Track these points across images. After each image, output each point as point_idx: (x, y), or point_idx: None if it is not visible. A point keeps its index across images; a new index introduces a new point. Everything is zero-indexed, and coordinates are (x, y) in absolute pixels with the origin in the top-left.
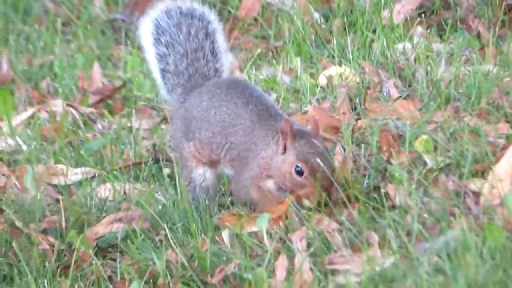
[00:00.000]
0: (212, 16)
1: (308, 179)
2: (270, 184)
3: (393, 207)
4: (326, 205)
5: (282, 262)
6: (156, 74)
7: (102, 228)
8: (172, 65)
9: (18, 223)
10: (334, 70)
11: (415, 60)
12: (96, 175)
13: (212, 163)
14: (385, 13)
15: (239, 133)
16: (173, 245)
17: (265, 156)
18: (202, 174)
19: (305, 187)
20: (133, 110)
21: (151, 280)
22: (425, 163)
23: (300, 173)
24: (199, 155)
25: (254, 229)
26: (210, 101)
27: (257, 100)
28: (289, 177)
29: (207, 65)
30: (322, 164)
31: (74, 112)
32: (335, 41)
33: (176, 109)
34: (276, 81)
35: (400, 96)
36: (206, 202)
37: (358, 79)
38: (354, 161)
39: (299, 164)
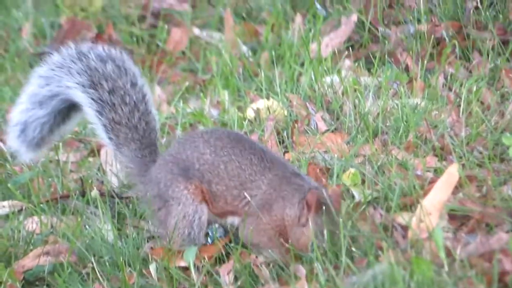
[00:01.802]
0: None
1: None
2: None
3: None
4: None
5: None
6: (99, 123)
7: (29, 261)
8: (124, 118)
9: None
10: (262, 103)
11: (343, 93)
12: (24, 208)
13: (222, 214)
14: (313, 46)
15: (262, 187)
16: (100, 278)
17: (289, 214)
18: (201, 208)
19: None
20: (61, 143)
21: None
22: (353, 196)
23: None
24: (203, 194)
25: (182, 264)
26: (214, 154)
27: (270, 156)
28: (303, 248)
29: (154, 119)
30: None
31: (2, 145)
32: (263, 74)
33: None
34: (204, 114)
35: (328, 129)
36: (204, 236)
37: (286, 112)
38: None
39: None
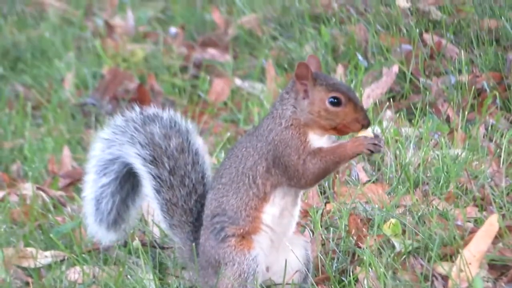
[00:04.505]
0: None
1: (347, 105)
2: (316, 140)
3: None
4: None
5: None
6: (156, 200)
7: None
8: (180, 201)
9: None
10: None
11: (384, 144)
12: (66, 258)
13: (264, 198)
14: None
15: (256, 155)
16: None
17: (287, 115)
18: (255, 258)
19: (346, 115)
20: None
21: None
22: (393, 247)
23: (336, 103)
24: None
25: None
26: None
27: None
28: (325, 114)
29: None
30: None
31: (44, 195)
32: None
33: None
34: None
35: (369, 180)
36: None
37: None
38: (323, 245)
39: (332, 95)
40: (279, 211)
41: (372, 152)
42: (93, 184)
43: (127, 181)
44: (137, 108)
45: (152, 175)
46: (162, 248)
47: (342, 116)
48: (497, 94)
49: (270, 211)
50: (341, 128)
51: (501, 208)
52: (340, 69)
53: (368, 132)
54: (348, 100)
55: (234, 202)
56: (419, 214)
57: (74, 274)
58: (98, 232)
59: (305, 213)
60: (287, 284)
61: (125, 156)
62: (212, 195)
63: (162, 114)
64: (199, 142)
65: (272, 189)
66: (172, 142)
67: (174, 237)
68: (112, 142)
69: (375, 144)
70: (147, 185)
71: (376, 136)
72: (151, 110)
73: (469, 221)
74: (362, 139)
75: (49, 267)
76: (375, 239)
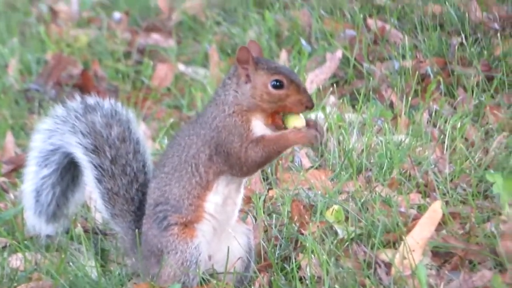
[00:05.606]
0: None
1: (290, 87)
2: (259, 127)
3: (304, 278)
4: None
5: None
6: (97, 190)
7: None
8: (122, 190)
9: None
10: None
11: (327, 129)
12: (8, 244)
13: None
14: None
15: (199, 142)
16: None
17: (230, 101)
18: (197, 247)
19: (289, 97)
20: None
21: None
22: (336, 233)
23: (279, 86)
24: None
25: None
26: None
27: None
28: (268, 97)
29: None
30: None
31: None
32: None
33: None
34: None
35: (312, 166)
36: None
37: None
38: (266, 231)
39: (274, 78)
40: (222, 200)
41: (313, 144)
42: (34, 176)
43: (68, 172)
44: (78, 97)
45: (94, 165)
46: (105, 234)
47: (285, 99)
48: (441, 79)
49: (213, 200)
50: (284, 111)
51: (444, 194)
52: (283, 54)
53: (301, 119)
54: (291, 83)
55: (177, 191)
56: (362, 200)
57: (16, 261)
58: (37, 224)
59: (247, 200)
60: (229, 272)
61: (66, 146)
62: (155, 184)
63: (103, 103)
64: (140, 131)
65: (215, 177)
66: (113, 131)
67: (116, 226)
68: (53, 132)
69: (316, 137)
70: (89, 175)
71: (316, 124)
72: (92, 99)
73: (412, 208)
74: (305, 131)
75: None
76: (317, 226)
